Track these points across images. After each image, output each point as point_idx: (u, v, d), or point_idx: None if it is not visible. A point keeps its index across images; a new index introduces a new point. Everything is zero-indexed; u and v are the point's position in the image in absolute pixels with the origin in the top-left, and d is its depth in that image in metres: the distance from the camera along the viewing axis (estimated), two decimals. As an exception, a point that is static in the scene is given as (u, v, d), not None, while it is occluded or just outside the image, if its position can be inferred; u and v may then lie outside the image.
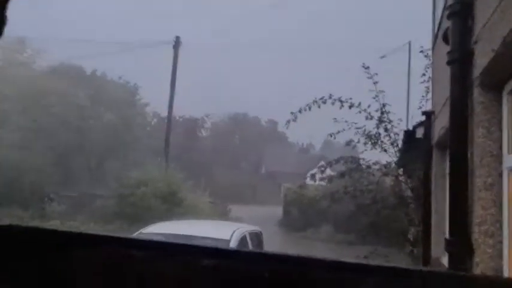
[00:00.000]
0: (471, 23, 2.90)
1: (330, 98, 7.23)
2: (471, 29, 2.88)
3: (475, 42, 2.76)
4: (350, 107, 7.25)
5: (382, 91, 7.41)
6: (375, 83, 7.42)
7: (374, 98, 7.45)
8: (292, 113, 7.52)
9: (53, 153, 18.57)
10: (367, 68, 7.53)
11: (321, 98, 7.23)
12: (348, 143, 7.80)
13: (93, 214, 16.11)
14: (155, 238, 5.23)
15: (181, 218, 14.59)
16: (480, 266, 2.48)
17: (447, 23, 3.24)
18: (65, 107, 19.24)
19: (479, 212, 2.57)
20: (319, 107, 7.22)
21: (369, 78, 7.45)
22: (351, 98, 7.29)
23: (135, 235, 5.31)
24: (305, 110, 7.35)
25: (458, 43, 2.88)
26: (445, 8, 4.58)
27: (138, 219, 14.69)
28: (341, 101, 7.23)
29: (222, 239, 4.98)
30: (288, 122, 7.69)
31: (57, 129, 18.87)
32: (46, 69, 22.21)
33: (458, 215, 2.75)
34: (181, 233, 5.33)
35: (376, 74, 7.56)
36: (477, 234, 2.54)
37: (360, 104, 7.30)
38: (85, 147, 20.60)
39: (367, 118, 7.33)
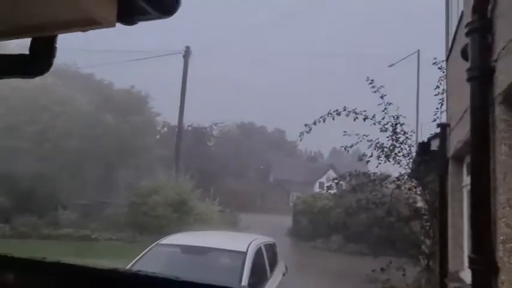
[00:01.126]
0: (491, 40, 2.93)
1: (344, 109, 7.24)
2: (491, 46, 2.91)
3: (496, 60, 2.78)
4: (364, 119, 7.24)
5: (390, 103, 7.38)
6: (382, 96, 7.39)
7: (383, 111, 7.42)
8: (306, 125, 7.52)
9: (65, 161, 18.81)
10: (372, 81, 7.50)
11: (335, 110, 7.24)
12: (360, 157, 7.75)
13: (105, 222, 16.25)
14: (173, 250, 5.28)
15: (192, 228, 14.66)
16: (506, 284, 2.48)
17: (465, 39, 3.27)
18: (74, 115, 19.54)
19: (503, 229, 2.57)
20: (333, 119, 7.23)
21: (374, 92, 7.43)
22: (365, 110, 7.30)
23: (152, 246, 5.37)
24: (319, 121, 7.35)
25: (479, 60, 2.91)
26: (460, 22, 4.62)
27: (150, 228, 14.81)
28: (356, 113, 7.22)
29: (238, 251, 5.00)
30: (302, 133, 7.69)
31: (68, 137, 19.14)
32: (54, 76, 22.53)
33: (481, 232, 2.75)
34: (198, 245, 5.37)
35: (383, 86, 7.52)
36: (502, 252, 2.53)
37: (374, 116, 7.30)
38: (96, 155, 20.84)
39: (381, 130, 7.31)
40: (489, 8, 2.93)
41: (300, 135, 7.83)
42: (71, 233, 14.68)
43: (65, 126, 18.85)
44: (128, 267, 4.91)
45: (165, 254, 5.28)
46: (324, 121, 7.29)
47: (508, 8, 2.57)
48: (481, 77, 2.84)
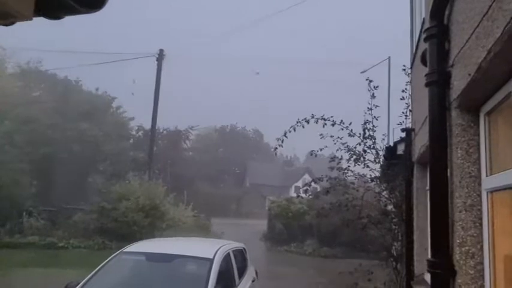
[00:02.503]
0: (448, 46, 2.98)
1: (313, 117, 7.33)
2: (448, 52, 2.96)
3: (452, 66, 2.83)
4: (333, 125, 7.34)
5: (377, 106, 7.50)
6: (372, 97, 7.50)
7: (368, 111, 7.54)
8: (277, 138, 7.65)
9: (32, 166, 18.09)
10: (371, 81, 7.57)
11: (304, 119, 7.34)
12: (332, 159, 7.87)
13: (73, 229, 15.68)
14: (137, 257, 5.11)
15: (165, 233, 14.38)
16: (462, 287, 2.50)
17: (425, 45, 3.32)
18: (41, 119, 18.83)
19: (459, 232, 2.59)
20: (303, 127, 7.33)
21: (369, 90, 7.54)
22: (332, 116, 7.40)
23: (115, 254, 5.17)
24: (289, 131, 7.47)
25: (436, 66, 2.95)
26: (422, 29, 4.72)
27: (120, 234, 14.41)
28: (324, 119, 7.30)
29: (205, 258, 4.90)
30: (275, 148, 7.84)
31: (35, 141, 18.43)
32: (19, 79, 21.64)
33: (440, 235, 2.77)
34: (163, 252, 5.22)
35: (376, 87, 7.57)
36: (458, 255, 2.56)
37: (342, 121, 7.41)
38: (65, 160, 20.16)
39: (350, 135, 7.42)
40: (446, 13, 2.98)
41: (273, 150, 8.00)
42: (36, 241, 14.06)
43: (31, 130, 18.13)
44: (88, 277, 4.71)
45: (129, 262, 5.10)
46: (294, 130, 7.39)
47: (461, 16, 2.62)
48: (438, 82, 2.87)
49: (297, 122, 7.38)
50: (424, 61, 3.31)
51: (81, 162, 21.08)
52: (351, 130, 7.40)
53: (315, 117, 7.32)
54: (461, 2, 2.67)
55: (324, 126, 7.28)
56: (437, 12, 2.95)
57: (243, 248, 6.61)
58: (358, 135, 7.46)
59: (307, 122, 7.32)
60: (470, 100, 2.63)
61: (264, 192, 43.16)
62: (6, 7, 1.05)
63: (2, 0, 1.02)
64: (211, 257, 4.87)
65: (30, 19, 1.14)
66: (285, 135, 7.51)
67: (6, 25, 1.24)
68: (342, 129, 7.39)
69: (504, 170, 2.26)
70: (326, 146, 7.56)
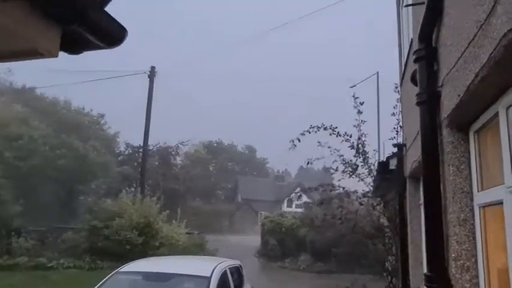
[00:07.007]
0: (436, 67, 3.13)
1: (322, 125, 7.55)
2: (437, 72, 3.10)
3: (441, 86, 2.96)
4: (337, 135, 7.53)
5: (364, 121, 7.71)
6: (359, 113, 7.71)
7: (355, 126, 7.75)
8: (291, 140, 7.84)
9: (19, 185, 17.83)
10: (357, 98, 7.83)
11: (316, 126, 7.53)
12: (327, 169, 7.98)
13: (64, 249, 15.38)
14: (134, 277, 5.08)
15: (158, 252, 14.19)
16: (458, 301, 2.57)
17: (413, 64, 3.47)
18: (30, 136, 18.70)
19: (454, 247, 2.68)
20: (315, 132, 7.53)
21: (355, 107, 7.78)
22: (336, 127, 7.57)
23: (112, 274, 5.13)
24: (304, 134, 7.69)
25: (426, 86, 3.08)
26: (410, 49, 4.90)
27: (112, 254, 14.18)
28: (332, 129, 7.52)
29: (202, 276, 4.89)
30: (293, 146, 7.98)
31: (23, 159, 18.23)
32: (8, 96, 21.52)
33: (435, 249, 2.85)
34: (160, 271, 5.20)
35: (362, 103, 7.83)
36: (454, 269, 2.63)
37: (345, 133, 7.59)
38: (55, 178, 19.93)
39: (352, 147, 7.57)
40: (434, 37, 3.13)
41: (291, 147, 8.18)
42: (25, 262, 13.74)
43: (20, 147, 17.94)
44: (84, 298, 4.66)
45: (125, 282, 5.06)
46: (299, 141, 7.59)
47: (449, 40, 2.76)
48: (429, 101, 3.00)
49: (309, 128, 7.59)
50: (414, 81, 3.45)
51: (72, 180, 20.83)
52: (352, 142, 7.57)
53: (324, 125, 7.54)
54: (448, 27, 2.82)
55: (330, 135, 7.46)
56: (425, 36, 3.10)
57: (239, 265, 6.60)
58: (356, 147, 7.60)
59: (318, 128, 7.52)
60: (459, 119, 2.75)
61: (256, 207, 42.97)
62: (36, 45, 1.11)
63: (31, 37, 1.09)
64: (208, 275, 4.87)
65: (56, 56, 1.21)
66: (296, 144, 7.73)
67: (26, 60, 1.30)
68: (345, 140, 7.56)
69: (494, 185, 2.36)
70: (323, 157, 7.73)
